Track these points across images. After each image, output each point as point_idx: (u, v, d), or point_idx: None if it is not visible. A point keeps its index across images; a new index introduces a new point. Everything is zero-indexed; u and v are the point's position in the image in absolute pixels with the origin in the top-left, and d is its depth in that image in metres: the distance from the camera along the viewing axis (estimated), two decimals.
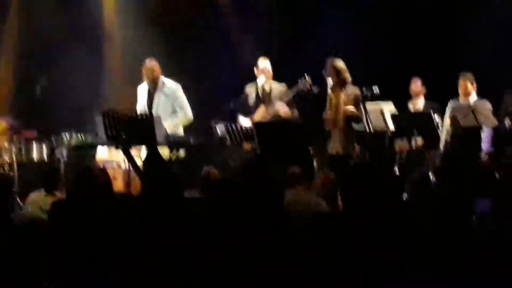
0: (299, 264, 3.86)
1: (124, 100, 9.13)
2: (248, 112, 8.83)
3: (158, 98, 8.60)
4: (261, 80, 8.84)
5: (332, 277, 3.93)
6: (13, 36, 10.21)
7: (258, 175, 3.82)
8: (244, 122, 8.67)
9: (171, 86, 8.67)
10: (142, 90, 8.74)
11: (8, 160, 8.76)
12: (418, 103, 9.43)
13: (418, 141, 8.78)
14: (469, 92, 8.82)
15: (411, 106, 9.48)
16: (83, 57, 10.08)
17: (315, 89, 8.30)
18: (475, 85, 8.84)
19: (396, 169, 8.94)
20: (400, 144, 9.05)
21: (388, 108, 8.78)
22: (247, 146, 8.27)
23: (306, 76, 8.51)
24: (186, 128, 8.75)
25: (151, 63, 8.66)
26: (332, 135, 8.12)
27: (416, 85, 9.45)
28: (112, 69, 10.44)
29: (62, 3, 10.13)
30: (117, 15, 10.50)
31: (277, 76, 8.97)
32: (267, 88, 8.84)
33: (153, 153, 7.59)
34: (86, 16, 10.31)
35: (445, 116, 8.91)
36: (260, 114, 8.71)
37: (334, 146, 8.09)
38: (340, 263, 3.95)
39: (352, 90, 8.19)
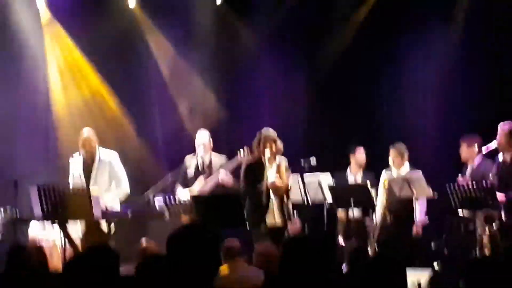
0: None
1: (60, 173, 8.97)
2: (187, 184, 8.81)
3: (95, 171, 8.46)
4: (200, 151, 8.85)
5: None
6: None
7: (187, 248, 3.75)
8: (183, 194, 8.64)
9: (107, 155, 8.55)
10: (76, 161, 8.53)
11: None
12: (357, 175, 9.42)
13: (355, 212, 8.89)
14: (401, 162, 8.94)
15: (350, 176, 9.47)
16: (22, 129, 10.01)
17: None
18: (407, 154, 8.95)
19: (340, 238, 8.97)
20: (341, 213, 9.12)
21: (326, 179, 8.86)
22: (185, 218, 8.23)
23: (246, 149, 8.60)
24: (124, 200, 8.68)
25: (88, 134, 8.53)
26: (270, 206, 8.14)
27: (361, 153, 9.41)
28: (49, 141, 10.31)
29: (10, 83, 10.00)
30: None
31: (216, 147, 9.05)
32: (206, 160, 8.85)
33: (90, 228, 7.48)
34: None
35: (379, 188, 9.01)
36: (200, 185, 8.69)
37: (273, 217, 8.11)
38: None
39: (285, 160, 8.29)
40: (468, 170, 8.40)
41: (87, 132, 8.53)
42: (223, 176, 8.58)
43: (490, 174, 8.04)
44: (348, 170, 9.48)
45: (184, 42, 10.34)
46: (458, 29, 9.91)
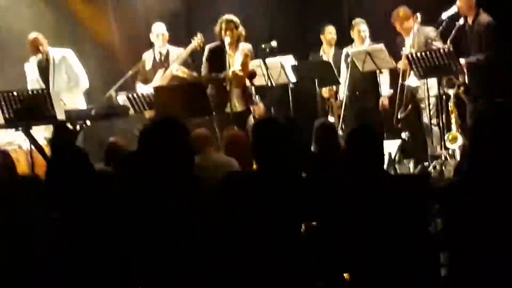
0: (212, 226, 3.83)
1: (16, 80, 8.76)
2: (147, 79, 8.70)
3: (52, 72, 8.36)
4: (157, 43, 8.71)
5: (247, 236, 3.93)
6: None
7: (159, 142, 3.70)
8: (143, 89, 8.54)
9: (61, 54, 8.45)
10: (31, 67, 8.47)
11: None
12: (330, 54, 9.31)
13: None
14: (363, 37, 8.88)
15: (324, 57, 9.34)
16: None
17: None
18: (368, 30, 8.90)
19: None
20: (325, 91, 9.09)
21: (289, 61, 8.78)
22: (149, 113, 8.17)
23: (199, 34, 8.47)
24: (87, 99, 8.56)
25: (36, 38, 8.39)
26: (232, 94, 8.10)
27: (331, 32, 9.30)
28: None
29: None
30: None
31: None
32: (164, 51, 8.73)
33: (58, 129, 7.36)
34: None
35: (341, 64, 8.98)
36: (159, 78, 8.59)
37: (235, 104, 8.09)
38: (255, 222, 3.94)
39: (247, 46, 8.19)
40: (408, 41, 8.38)
41: (34, 36, 8.40)
42: (176, 69, 8.49)
43: (437, 40, 8.07)
44: (321, 51, 9.41)
45: None
46: None
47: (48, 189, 3.77)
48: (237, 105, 8.10)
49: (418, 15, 8.30)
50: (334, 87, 9.09)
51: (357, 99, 8.83)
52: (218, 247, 3.75)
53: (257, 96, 8.49)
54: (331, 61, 9.00)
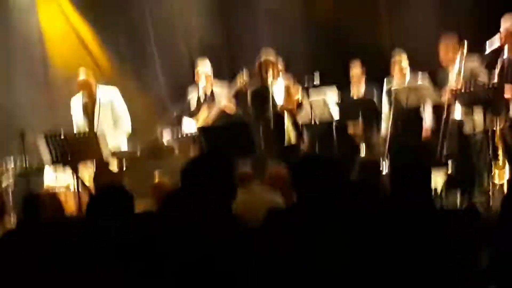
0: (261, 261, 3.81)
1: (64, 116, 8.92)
2: (192, 115, 8.77)
3: (97, 112, 8.43)
4: (202, 82, 8.78)
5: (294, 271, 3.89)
6: None
7: (201, 179, 3.71)
8: (189, 124, 8.60)
9: (108, 95, 8.51)
10: (78, 103, 8.51)
11: None
12: (360, 88, 9.20)
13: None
14: (404, 71, 8.77)
15: (353, 91, 9.25)
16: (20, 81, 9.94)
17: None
18: (408, 64, 8.78)
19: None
20: (353, 127, 9.00)
21: (331, 96, 8.75)
22: (194, 151, 8.22)
23: (244, 72, 8.52)
24: (131, 137, 8.67)
25: (85, 74, 8.48)
26: (286, 127, 8.18)
27: (356, 68, 9.15)
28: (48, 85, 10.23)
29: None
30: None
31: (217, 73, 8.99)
32: (208, 89, 8.79)
33: (101, 168, 7.47)
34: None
35: (383, 98, 8.91)
36: (204, 115, 8.65)
37: (289, 136, 8.15)
38: (300, 258, 3.91)
39: (288, 79, 8.25)
40: (452, 74, 8.17)
41: (83, 72, 8.47)
42: (225, 102, 8.53)
43: (482, 74, 7.92)
44: (351, 85, 9.37)
45: None
46: None
47: (87, 228, 3.79)
48: (291, 137, 8.14)
49: (465, 42, 8.02)
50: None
51: (400, 134, 8.70)
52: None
53: (304, 133, 8.53)
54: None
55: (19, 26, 10.00)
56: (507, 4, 8.14)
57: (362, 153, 8.59)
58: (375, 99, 8.83)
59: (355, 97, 9.11)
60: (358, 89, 9.14)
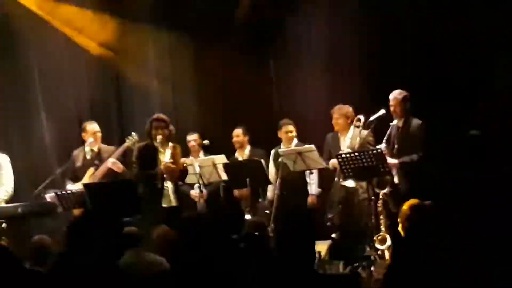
0: None
1: None
2: (77, 178, 8.62)
3: None
4: (90, 142, 8.68)
5: None
6: None
7: (85, 240, 3.64)
8: (72, 187, 8.44)
9: None
10: None
11: None
12: (244, 152, 9.42)
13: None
14: (291, 138, 9.03)
15: (237, 155, 9.43)
16: None
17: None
18: (294, 131, 9.06)
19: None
20: (239, 191, 9.10)
21: (220, 159, 8.84)
22: (78, 211, 8.04)
23: (134, 134, 8.51)
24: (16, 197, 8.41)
25: None
26: (165, 190, 8.10)
27: (237, 135, 9.41)
28: None
29: None
30: None
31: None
32: (95, 149, 8.69)
33: None
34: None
35: (269, 164, 9.06)
36: (90, 175, 8.52)
37: (169, 200, 8.07)
38: None
39: (175, 145, 8.28)
40: (346, 142, 8.57)
41: None
42: (113, 162, 8.44)
43: (371, 141, 8.28)
44: (236, 152, 9.48)
45: None
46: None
47: None
48: (172, 200, 8.08)
49: (361, 117, 8.42)
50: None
51: (286, 198, 8.81)
52: None
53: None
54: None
55: None
56: (395, 80, 8.52)
57: (249, 215, 8.63)
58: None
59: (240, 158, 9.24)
60: (242, 153, 9.37)
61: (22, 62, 9.92)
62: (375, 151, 7.81)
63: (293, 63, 10.09)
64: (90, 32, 10.12)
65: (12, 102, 9.93)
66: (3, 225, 7.66)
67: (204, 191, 8.68)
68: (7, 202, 8.27)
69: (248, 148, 9.43)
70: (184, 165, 8.23)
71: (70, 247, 3.69)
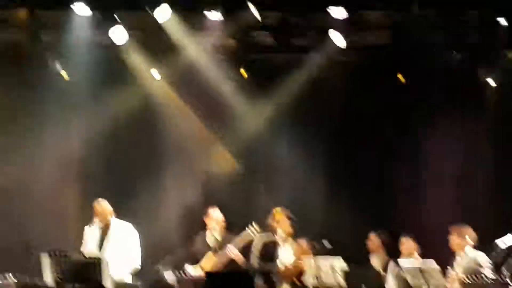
0: None
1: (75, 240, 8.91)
2: (196, 260, 8.74)
3: (107, 242, 8.45)
4: (212, 229, 8.82)
5: None
6: None
7: None
8: (191, 271, 8.56)
9: (121, 227, 8.56)
10: (91, 231, 8.57)
11: None
12: (374, 260, 9.07)
13: None
14: (412, 252, 8.83)
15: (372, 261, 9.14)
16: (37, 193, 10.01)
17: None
18: (416, 245, 8.84)
19: None
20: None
21: (339, 264, 8.72)
22: None
23: (255, 225, 8.57)
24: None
25: (102, 204, 8.57)
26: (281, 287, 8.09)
27: (372, 241, 9.13)
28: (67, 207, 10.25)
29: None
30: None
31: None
32: (218, 237, 8.80)
33: None
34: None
35: (388, 274, 8.86)
36: (209, 261, 8.62)
37: None
38: None
39: (300, 243, 8.26)
40: (457, 261, 8.30)
41: (101, 202, 8.59)
42: (233, 252, 8.52)
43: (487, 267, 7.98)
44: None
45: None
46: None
47: None
48: None
49: (474, 237, 8.23)
50: None
51: None
52: None
53: None
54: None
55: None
56: None
57: None
58: None
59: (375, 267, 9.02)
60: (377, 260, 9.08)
61: (159, 144, 10.32)
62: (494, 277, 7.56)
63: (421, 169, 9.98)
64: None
65: (144, 179, 10.28)
66: None
67: None
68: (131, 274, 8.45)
69: (380, 256, 9.04)
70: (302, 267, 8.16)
71: None
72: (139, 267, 8.52)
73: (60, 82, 10.02)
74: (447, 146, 9.92)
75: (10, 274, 8.08)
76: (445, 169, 9.89)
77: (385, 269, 8.86)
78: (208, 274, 7.96)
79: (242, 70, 10.06)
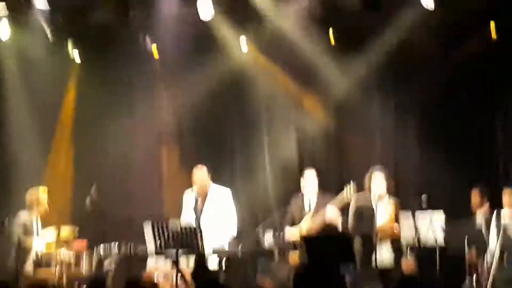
0: None
1: (174, 207, 9.16)
2: (294, 222, 8.81)
3: (206, 209, 8.57)
4: (307, 191, 8.87)
5: None
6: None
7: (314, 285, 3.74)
8: (291, 232, 8.63)
9: (219, 193, 8.65)
10: (189, 198, 8.65)
11: (57, 270, 8.81)
12: (478, 218, 8.93)
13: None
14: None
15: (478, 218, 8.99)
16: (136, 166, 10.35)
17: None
18: None
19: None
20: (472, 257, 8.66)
21: (439, 218, 8.61)
22: (293, 257, 8.23)
23: (352, 184, 8.55)
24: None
25: (201, 170, 8.67)
26: (380, 247, 8.03)
27: (475, 197, 9.00)
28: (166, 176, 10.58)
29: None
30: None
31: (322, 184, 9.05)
32: (313, 200, 8.84)
33: (200, 264, 7.57)
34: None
35: (491, 226, 8.69)
36: (308, 224, 8.67)
37: (381, 258, 8.01)
38: None
39: (395, 201, 8.20)
40: None
41: (200, 169, 8.67)
42: (330, 214, 8.54)
43: None
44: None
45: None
46: None
47: None
48: (384, 261, 8.01)
49: None
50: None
51: (506, 268, 8.41)
52: None
53: (408, 250, 8.37)
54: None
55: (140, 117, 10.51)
56: None
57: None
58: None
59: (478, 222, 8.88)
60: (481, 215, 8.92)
61: (251, 109, 10.47)
62: None
63: None
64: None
65: (239, 144, 10.46)
66: (223, 262, 7.93)
67: (411, 259, 8.38)
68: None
69: (484, 213, 8.91)
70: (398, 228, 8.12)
71: None
72: (235, 235, 8.61)
73: (151, 58, 10.31)
74: None
75: (115, 243, 8.45)
76: None
77: (488, 223, 8.72)
78: (305, 238, 8.03)
79: (330, 34, 10.06)
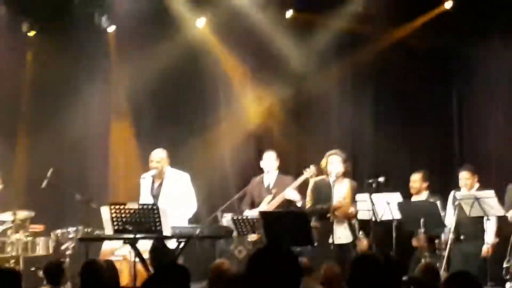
0: None
1: (130, 191, 9.11)
2: (253, 205, 8.86)
3: (164, 190, 8.55)
4: (267, 172, 8.89)
5: None
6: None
7: (268, 267, 3.74)
8: (249, 213, 8.67)
9: (177, 177, 8.59)
10: (146, 182, 8.58)
11: (13, 254, 8.73)
12: (420, 198, 9.08)
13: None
14: (471, 184, 8.75)
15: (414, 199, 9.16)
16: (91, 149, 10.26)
17: None
18: (476, 176, 8.77)
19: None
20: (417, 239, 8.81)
21: (396, 199, 8.72)
22: (253, 237, 8.26)
23: (312, 167, 8.61)
24: (191, 218, 8.73)
25: (158, 153, 8.61)
26: (337, 225, 8.11)
27: (415, 180, 9.11)
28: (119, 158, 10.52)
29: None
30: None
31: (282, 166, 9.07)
32: (272, 180, 8.87)
33: (159, 245, 7.55)
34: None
35: (448, 206, 8.83)
36: (267, 206, 8.72)
37: (338, 235, 8.08)
38: None
39: (352, 181, 8.27)
40: None
41: (157, 152, 8.62)
42: (290, 196, 8.59)
43: None
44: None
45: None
46: None
47: None
48: (340, 237, 8.10)
49: None
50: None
51: (461, 243, 8.58)
52: None
53: (360, 231, 8.45)
54: None
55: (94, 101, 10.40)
56: None
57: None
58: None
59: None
60: (418, 198, 9.08)
61: (208, 88, 10.44)
62: None
63: (480, 101, 9.81)
64: None
65: (197, 128, 10.42)
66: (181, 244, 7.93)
67: (364, 239, 8.47)
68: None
69: (425, 194, 9.09)
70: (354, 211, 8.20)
71: (249, 274, 3.78)
72: (195, 210, 8.59)
73: (106, 36, 10.20)
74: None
75: (72, 228, 8.40)
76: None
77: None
78: (263, 213, 8.07)
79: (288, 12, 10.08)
